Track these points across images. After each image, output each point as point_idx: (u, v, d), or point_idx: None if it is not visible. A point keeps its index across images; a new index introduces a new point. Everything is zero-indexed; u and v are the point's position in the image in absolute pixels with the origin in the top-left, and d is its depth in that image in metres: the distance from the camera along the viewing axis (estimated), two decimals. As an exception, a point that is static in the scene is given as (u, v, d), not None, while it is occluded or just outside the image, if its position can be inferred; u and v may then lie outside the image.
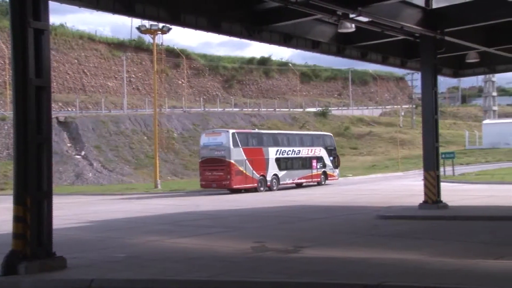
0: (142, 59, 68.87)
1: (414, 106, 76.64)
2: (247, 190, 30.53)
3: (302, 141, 34.99)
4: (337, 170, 36.50)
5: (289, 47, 18.18)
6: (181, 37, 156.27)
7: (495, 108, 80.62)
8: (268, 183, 31.46)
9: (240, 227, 15.45)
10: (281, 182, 32.29)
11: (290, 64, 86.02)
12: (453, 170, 36.57)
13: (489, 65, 23.59)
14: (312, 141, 35.70)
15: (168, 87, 68.27)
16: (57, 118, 46.44)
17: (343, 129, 66.97)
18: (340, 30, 16.11)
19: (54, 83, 53.75)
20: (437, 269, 7.99)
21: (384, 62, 21.41)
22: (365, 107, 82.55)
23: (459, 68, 23.91)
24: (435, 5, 16.74)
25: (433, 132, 17.67)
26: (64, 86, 60.18)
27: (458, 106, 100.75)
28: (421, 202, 17.62)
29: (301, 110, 71.80)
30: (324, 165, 35.26)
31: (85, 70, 63.41)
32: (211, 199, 26.87)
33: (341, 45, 18.96)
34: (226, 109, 63.86)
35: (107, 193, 33.02)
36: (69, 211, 21.37)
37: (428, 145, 17.86)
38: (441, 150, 22.77)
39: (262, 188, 30.97)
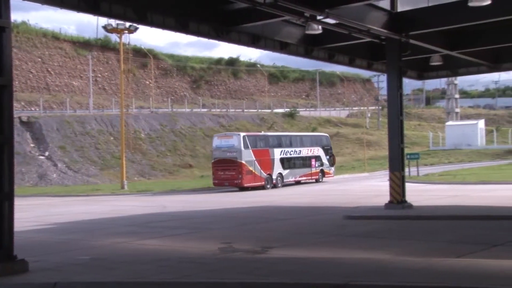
0: (109, 59, 67.88)
1: (380, 107, 77.82)
2: (253, 188, 32.34)
3: (303, 142, 37.40)
4: (332, 168, 38.90)
5: (258, 48, 18.24)
6: (149, 36, 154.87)
7: (458, 110, 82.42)
8: (274, 181, 33.63)
9: (208, 228, 15.40)
10: (284, 180, 34.48)
11: (259, 65, 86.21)
12: (418, 170, 37.26)
13: (452, 68, 24.17)
14: (311, 142, 38.11)
15: (135, 87, 67.49)
16: (19, 117, 45.28)
17: (311, 130, 67.41)
18: (307, 32, 16.22)
19: (17, 82, 52.40)
20: (402, 268, 8.12)
21: (351, 64, 21.68)
22: (333, 108, 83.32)
23: (423, 71, 24.40)
24: (400, 9, 17.04)
25: (399, 133, 17.96)
26: (27, 85, 58.75)
27: (422, 108, 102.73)
28: (387, 202, 17.90)
29: (269, 111, 72.03)
30: (322, 164, 37.69)
31: (49, 69, 62.04)
32: (181, 199, 26.70)
33: (309, 47, 19.12)
34: (194, 110, 63.52)
35: (72, 194, 32.44)
36: (31, 213, 20.89)
37: (393, 146, 18.15)
38: (406, 151, 23.22)
39: (268, 186, 33.12)
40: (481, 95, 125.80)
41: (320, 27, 15.86)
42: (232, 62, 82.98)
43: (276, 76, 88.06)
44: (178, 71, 75.86)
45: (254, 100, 77.90)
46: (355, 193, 26.71)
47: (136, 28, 35.46)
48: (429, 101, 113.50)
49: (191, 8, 14.94)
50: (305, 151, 36.42)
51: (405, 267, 8.18)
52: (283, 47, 18.36)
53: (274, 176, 33.69)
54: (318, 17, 14.87)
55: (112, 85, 66.65)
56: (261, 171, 32.79)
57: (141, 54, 67.38)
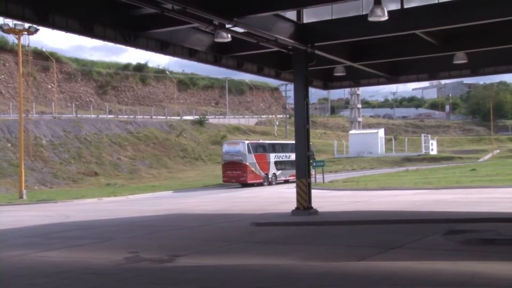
0: (6, 61, 63.99)
1: (287, 116, 79.75)
2: (253, 185, 39.16)
3: (292, 149, 41.69)
4: (313, 170, 44.21)
5: (166, 55, 18.03)
6: (51, 39, 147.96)
7: (360, 119, 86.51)
8: (270, 179, 40.79)
9: (114, 238, 14.91)
10: (277, 179, 41.50)
11: (167, 72, 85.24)
12: (323, 177, 38.54)
13: (354, 79, 25.32)
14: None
15: (36, 91, 64.12)
16: None
17: (220, 138, 67.70)
18: (216, 40, 16.30)
19: None
20: (307, 273, 8.34)
21: (259, 72, 22.04)
22: (242, 116, 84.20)
23: (328, 81, 25.34)
24: (306, 20, 17.60)
25: (305, 141, 18.47)
26: None
27: (328, 116, 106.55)
28: (294, 208, 18.31)
29: (178, 118, 71.41)
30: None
31: None
32: (86, 209, 25.62)
33: (217, 55, 19.20)
34: (100, 116, 61.49)
35: (-37, 206, 30.08)
36: None
37: (300, 153, 18.65)
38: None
39: (265, 183, 40.14)
40: (381, 105, 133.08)
41: (229, 35, 15.99)
42: (140, 68, 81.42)
43: (186, 83, 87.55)
44: (83, 75, 73.14)
45: (163, 107, 76.87)
46: (263, 200, 27.11)
47: (37, 30, 33.75)
48: (334, 110, 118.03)
49: (97, 11, 14.48)
50: (293, 156, 38.59)
51: (310, 272, 8.41)
52: (192, 54, 18.30)
53: (270, 175, 40.94)
54: (227, 26, 15.00)
55: (10, 88, 62.86)
56: (260, 171, 40.39)
57: (42, 57, 64.27)
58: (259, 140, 47.29)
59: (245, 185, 39.09)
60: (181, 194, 35.86)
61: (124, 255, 11.54)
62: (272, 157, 41.46)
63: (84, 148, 52.29)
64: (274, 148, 42.89)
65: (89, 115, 60.46)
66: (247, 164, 39.20)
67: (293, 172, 39.22)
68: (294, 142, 47.84)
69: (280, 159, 42.15)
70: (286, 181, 41.29)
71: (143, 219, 20.02)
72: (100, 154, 52.54)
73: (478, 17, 15.37)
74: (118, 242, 14.14)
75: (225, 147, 41.31)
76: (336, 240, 12.96)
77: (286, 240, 13.37)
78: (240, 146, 40.39)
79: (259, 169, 40.13)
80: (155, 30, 15.88)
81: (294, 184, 19.50)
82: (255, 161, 39.93)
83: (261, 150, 41.34)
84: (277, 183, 40.76)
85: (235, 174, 39.44)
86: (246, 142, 41.66)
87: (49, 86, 66.97)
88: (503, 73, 23.70)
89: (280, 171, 41.83)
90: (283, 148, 43.62)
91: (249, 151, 39.79)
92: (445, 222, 14.65)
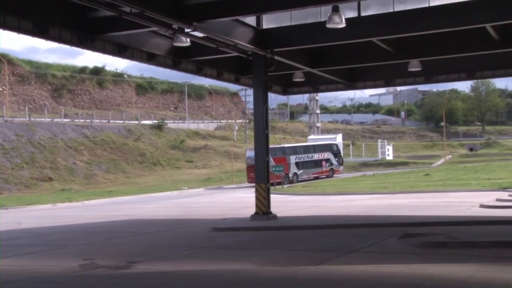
0: (-46, 62, 61.81)
1: (247, 121, 79.90)
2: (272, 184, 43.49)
3: (315, 149, 50.19)
4: (341, 167, 51.96)
5: (124, 58, 17.77)
6: (3, 40, 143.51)
7: (319, 124, 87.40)
8: (291, 179, 44.83)
9: (68, 245, 14.55)
10: (299, 178, 46.19)
11: (125, 75, 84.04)
12: (282, 182, 38.77)
13: (313, 84, 25.64)
14: (322, 149, 50.73)
15: (-13, 94, 62.08)
16: None
17: (179, 142, 67.20)
18: (176, 44, 16.19)
19: None
20: (266, 278, 8.36)
21: (219, 77, 22.00)
22: (201, 121, 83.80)
23: (287, 86, 25.55)
24: (265, 26, 17.71)
25: (264, 146, 18.54)
26: None
27: (287, 122, 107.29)
28: (253, 213, 18.34)
29: (137, 122, 70.46)
30: (332, 164, 50.10)
31: None
32: (40, 215, 24.89)
33: (177, 59, 19.06)
34: (55, 120, 60.02)
35: None
36: None
37: (259, 158, 18.69)
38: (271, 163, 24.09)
39: (286, 182, 42.75)
40: (339, 111, 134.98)
41: (188, 39, 15.92)
42: (98, 72, 79.96)
43: (144, 87, 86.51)
44: (37, 78, 71.22)
45: (120, 111, 75.71)
46: (222, 205, 27.03)
47: (-11, 30, 32.68)
48: (293, 115, 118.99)
49: (52, 12, 14.13)
50: (316, 156, 49.03)
51: (269, 277, 8.43)
52: (150, 58, 18.10)
53: (290, 175, 45.06)
54: (186, 30, 14.92)
55: (-41, 90, 60.64)
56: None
57: (-6, 59, 62.32)
58: (279, 145, 54.67)
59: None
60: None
61: (79, 262, 11.27)
62: (293, 158, 46.63)
63: (38, 152, 50.89)
64: (295, 150, 48.64)
65: (44, 119, 58.94)
66: None
67: (315, 170, 49.07)
68: (317, 143, 53.62)
69: (302, 160, 47.48)
70: (316, 178, 47.57)
71: (99, 225, 19.61)
72: (54, 159, 51.25)
73: (430, 26, 15.85)
74: (73, 249, 13.80)
75: (248, 153, 45.75)
76: (295, 245, 13.04)
77: (245, 245, 13.36)
78: None
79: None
80: (113, 33, 15.63)
81: (253, 189, 19.53)
82: (273, 163, 44.08)
83: (280, 153, 46.53)
84: (299, 181, 45.53)
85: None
86: None
87: (0, 89, 64.92)
88: (455, 81, 24.49)
89: (301, 171, 47.07)
90: (304, 150, 49.73)
91: None
92: (401, 226, 14.99)
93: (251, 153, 44.21)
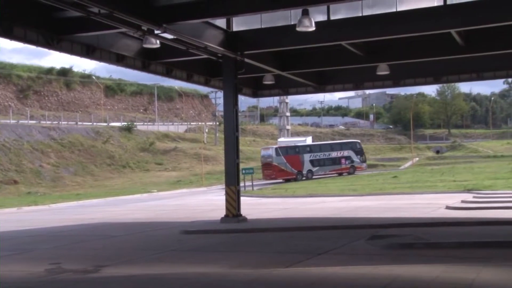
0: None
1: (217, 123, 79.69)
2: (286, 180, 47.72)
3: (332, 148, 53.39)
4: (364, 164, 54.54)
5: (93, 59, 17.55)
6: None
7: (289, 127, 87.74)
8: (306, 175, 48.87)
9: (33, 249, 14.24)
10: (315, 175, 49.42)
11: (94, 77, 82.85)
12: (252, 185, 38.80)
13: (283, 87, 25.75)
14: (341, 147, 53.57)
15: (-51, 95, 60.34)
16: None
17: (149, 145, 66.58)
18: (145, 45, 16.02)
19: None
20: (235, 280, 8.34)
21: (189, 79, 21.91)
22: (171, 123, 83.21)
23: (258, 89, 25.60)
24: (235, 28, 17.71)
25: (234, 148, 18.51)
26: None
27: (257, 124, 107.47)
28: (223, 216, 18.29)
29: (105, 124, 69.51)
30: (352, 161, 52.58)
31: None
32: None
33: (146, 60, 18.91)
34: (20, 121, 58.72)
35: None
36: None
37: (229, 161, 18.66)
38: (241, 166, 24.04)
39: (299, 179, 47.66)
40: (309, 113, 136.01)
41: (158, 41, 15.78)
42: (65, 73, 78.61)
43: (113, 89, 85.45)
44: (1, 79, 69.60)
45: (89, 112, 74.59)
46: (192, 208, 26.89)
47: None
48: (263, 118, 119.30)
49: (16, 11, 13.80)
50: (334, 154, 51.93)
51: (238, 280, 8.42)
52: (119, 60, 17.89)
53: (304, 172, 48.92)
54: (156, 32, 14.80)
55: None
56: (292, 169, 48.43)
57: (-44, 59, 60.60)
58: (295, 144, 55.42)
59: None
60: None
61: (45, 266, 11.04)
62: (307, 156, 49.75)
63: (2, 155, 49.71)
64: (310, 149, 51.41)
65: (8, 121, 57.62)
66: (276, 164, 47.85)
67: (331, 168, 51.86)
68: (336, 142, 59.50)
69: (317, 158, 50.32)
70: (339, 174, 50.96)
71: (66, 228, 19.25)
72: (20, 162, 50.12)
73: (398, 31, 16.12)
74: (38, 253, 13.52)
75: (262, 152, 50.59)
76: (265, 247, 13.06)
77: (215, 248, 13.32)
78: (270, 151, 49.58)
79: (290, 167, 48.37)
80: (80, 34, 15.40)
81: (224, 192, 19.48)
82: (285, 161, 48.28)
83: (292, 152, 49.86)
84: (315, 178, 48.61)
85: (268, 173, 48.25)
86: (275, 147, 51.55)
87: (-36, 90, 63.23)
88: (422, 84, 25.03)
89: (317, 168, 49.99)
90: (321, 148, 52.81)
91: (277, 154, 48.35)
92: (369, 228, 15.18)
93: (263, 152, 49.99)
